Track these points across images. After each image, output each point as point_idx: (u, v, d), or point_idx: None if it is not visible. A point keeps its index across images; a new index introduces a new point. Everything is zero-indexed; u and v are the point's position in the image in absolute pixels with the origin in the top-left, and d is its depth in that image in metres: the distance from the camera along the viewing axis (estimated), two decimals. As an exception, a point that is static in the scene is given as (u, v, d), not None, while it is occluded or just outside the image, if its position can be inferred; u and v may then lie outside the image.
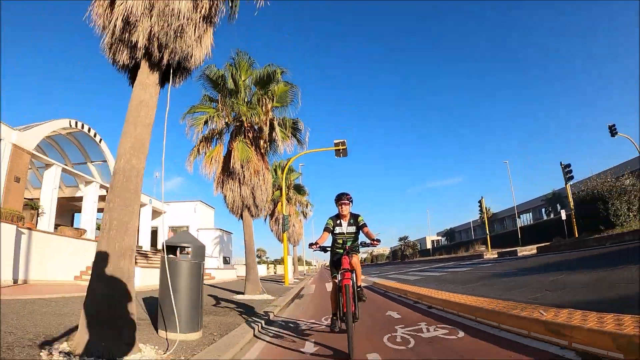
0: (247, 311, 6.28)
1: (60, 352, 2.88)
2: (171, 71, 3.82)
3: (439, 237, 64.30)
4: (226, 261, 29.73)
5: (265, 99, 9.29)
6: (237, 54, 9.76)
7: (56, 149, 18.03)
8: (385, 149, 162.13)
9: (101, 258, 2.97)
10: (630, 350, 2.17)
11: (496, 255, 18.49)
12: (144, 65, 3.59)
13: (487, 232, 27.66)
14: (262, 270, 33.62)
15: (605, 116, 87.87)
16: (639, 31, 55.51)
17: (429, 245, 61.61)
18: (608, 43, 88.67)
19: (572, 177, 17.11)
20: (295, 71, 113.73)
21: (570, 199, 15.85)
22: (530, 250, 15.56)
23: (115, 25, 3.48)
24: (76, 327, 3.27)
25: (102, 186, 18.28)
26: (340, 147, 16.17)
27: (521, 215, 44.67)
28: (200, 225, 29.23)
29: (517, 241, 30.72)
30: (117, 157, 3.31)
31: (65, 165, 17.12)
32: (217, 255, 28.50)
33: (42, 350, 2.98)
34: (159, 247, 25.03)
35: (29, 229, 10.99)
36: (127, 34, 3.51)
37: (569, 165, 17.73)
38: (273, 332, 4.61)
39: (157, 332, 4.06)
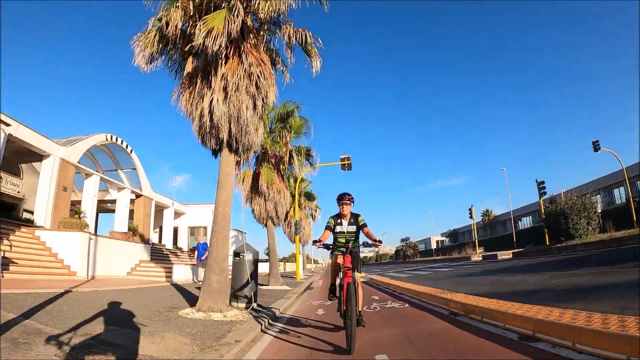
0: (275, 295, 8.92)
1: (191, 311, 5.51)
2: (240, 149, 6.39)
3: (444, 238, 66.28)
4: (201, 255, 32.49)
5: (285, 132, 11.88)
6: None
7: (89, 158, 20.61)
8: (386, 149, 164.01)
9: (213, 260, 5.62)
10: (453, 308, 4.67)
11: (481, 258, 20.94)
12: (225, 150, 6.18)
13: (475, 237, 29.99)
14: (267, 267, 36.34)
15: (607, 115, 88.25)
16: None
17: (433, 246, 63.52)
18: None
19: (545, 193, 19.45)
20: (294, 73, 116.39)
21: (543, 211, 18.20)
22: (507, 254, 17.93)
23: (205, 124, 6.05)
24: (179, 304, 5.94)
25: (132, 191, 20.95)
26: (346, 162, 18.71)
27: (523, 218, 45.93)
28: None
29: (512, 244, 32.94)
30: (215, 205, 5.94)
31: (98, 172, 19.74)
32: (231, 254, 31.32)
33: (180, 311, 5.61)
34: (178, 245, 27.98)
35: (95, 234, 13.85)
36: (214, 131, 6.08)
37: (542, 182, 20.09)
38: (298, 304, 7.24)
39: (230, 303, 6.72)
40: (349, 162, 18.76)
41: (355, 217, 4.25)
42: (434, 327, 4.24)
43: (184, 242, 29.34)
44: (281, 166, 12.24)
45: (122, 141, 20.06)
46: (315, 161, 12.69)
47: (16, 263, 8.97)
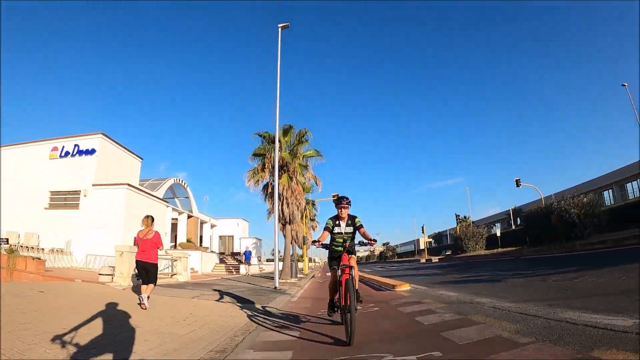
0: (301, 278, 19.30)
1: (277, 280, 15.81)
2: (290, 222, 16.78)
3: (430, 240, 74.09)
4: (259, 259, 42.96)
5: (298, 148, 20.14)
6: (283, 127, 20.92)
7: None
8: (382, 149, 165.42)
9: (286, 260, 16.03)
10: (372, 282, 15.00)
11: (424, 261, 31.59)
12: (287, 224, 16.58)
13: (425, 246, 40.51)
14: (280, 265, 46.77)
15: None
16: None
17: (422, 247, 73.59)
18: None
19: (464, 219, 29.83)
20: (289, 69, 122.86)
21: (457, 232, 28.82)
22: (436, 258, 28.32)
23: (279, 216, 16.37)
24: (264, 279, 16.29)
25: (188, 216, 31.15)
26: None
27: (497, 224, 50.55)
28: (241, 235, 42.39)
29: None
30: (285, 245, 16.18)
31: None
32: (254, 256, 41.76)
33: (270, 281, 15.91)
34: (213, 249, 38.26)
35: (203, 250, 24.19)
36: (282, 218, 16.39)
37: (458, 215, 30.53)
38: (307, 285, 17.62)
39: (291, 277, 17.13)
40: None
41: (352, 218, 4.48)
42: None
43: (215, 248, 39.20)
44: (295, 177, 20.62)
45: (184, 182, 30.44)
46: (318, 187, 20.63)
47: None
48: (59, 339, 3.55)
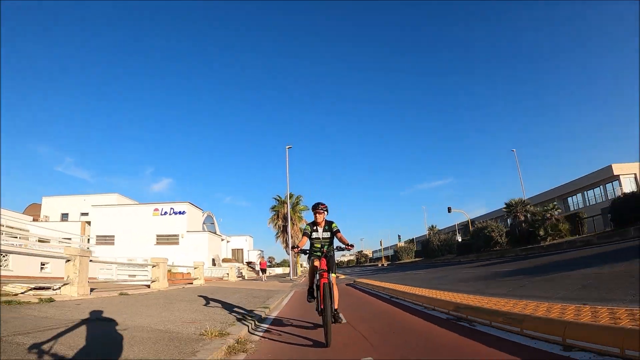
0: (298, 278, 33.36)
1: (289, 278, 29.69)
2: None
3: (405, 245, 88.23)
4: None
5: (295, 207, 35.25)
6: (290, 195, 35.99)
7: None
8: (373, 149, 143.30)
9: (294, 266, 30.04)
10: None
11: (380, 265, 45.96)
12: (292, 248, 30.64)
13: (382, 254, 55.29)
14: (279, 270, 60.49)
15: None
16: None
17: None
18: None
19: (413, 239, 44.23)
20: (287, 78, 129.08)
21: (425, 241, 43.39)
22: (387, 263, 42.29)
23: (288, 244, 30.36)
24: (281, 281, 30.20)
25: (212, 233, 44.68)
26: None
27: (459, 232, 55.88)
28: (249, 248, 55.89)
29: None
30: (291, 259, 29.96)
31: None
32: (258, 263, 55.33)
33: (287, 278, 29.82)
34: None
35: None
36: (289, 245, 30.36)
37: (400, 236, 44.89)
38: (303, 278, 31.64)
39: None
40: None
41: (329, 224, 4.65)
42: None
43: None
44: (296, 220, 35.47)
45: (212, 213, 44.04)
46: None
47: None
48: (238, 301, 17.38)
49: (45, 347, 3.13)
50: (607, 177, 30.65)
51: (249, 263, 48.09)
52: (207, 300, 8.42)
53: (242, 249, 55.51)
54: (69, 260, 7.43)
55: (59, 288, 7.45)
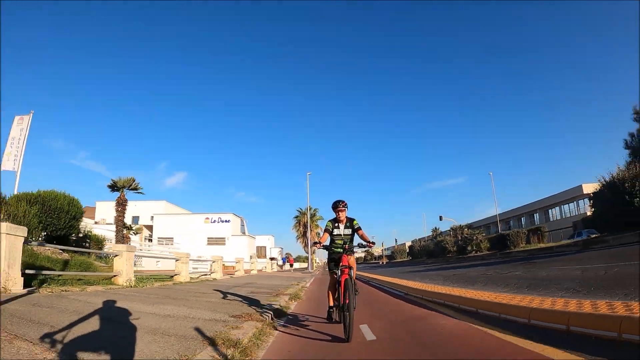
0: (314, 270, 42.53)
1: (309, 270, 38.79)
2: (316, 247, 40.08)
3: (411, 244, 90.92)
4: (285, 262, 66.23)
5: (314, 217, 44.46)
6: (309, 207, 44.78)
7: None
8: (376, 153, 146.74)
9: (311, 261, 39.19)
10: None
11: (381, 262, 54.52)
12: (319, 246, 39.77)
13: (383, 253, 63.79)
14: (297, 264, 69.87)
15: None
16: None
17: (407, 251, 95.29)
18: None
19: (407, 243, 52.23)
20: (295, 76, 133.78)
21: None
22: (387, 261, 50.68)
23: (308, 244, 39.43)
24: (302, 271, 39.36)
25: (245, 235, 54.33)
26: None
27: (510, 221, 53.65)
28: (271, 246, 65.47)
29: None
30: (309, 255, 38.99)
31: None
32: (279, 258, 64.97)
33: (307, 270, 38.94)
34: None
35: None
36: (308, 245, 39.42)
37: (396, 240, 53.50)
38: (318, 271, 40.80)
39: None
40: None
41: (350, 221, 4.71)
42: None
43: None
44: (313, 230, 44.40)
45: (241, 215, 53.60)
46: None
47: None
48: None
49: (238, 288, 12.16)
50: (578, 194, 37.30)
51: (272, 258, 57.50)
52: (278, 279, 17.39)
53: (265, 247, 64.97)
54: (178, 260, 12.81)
55: (210, 274, 16.56)
